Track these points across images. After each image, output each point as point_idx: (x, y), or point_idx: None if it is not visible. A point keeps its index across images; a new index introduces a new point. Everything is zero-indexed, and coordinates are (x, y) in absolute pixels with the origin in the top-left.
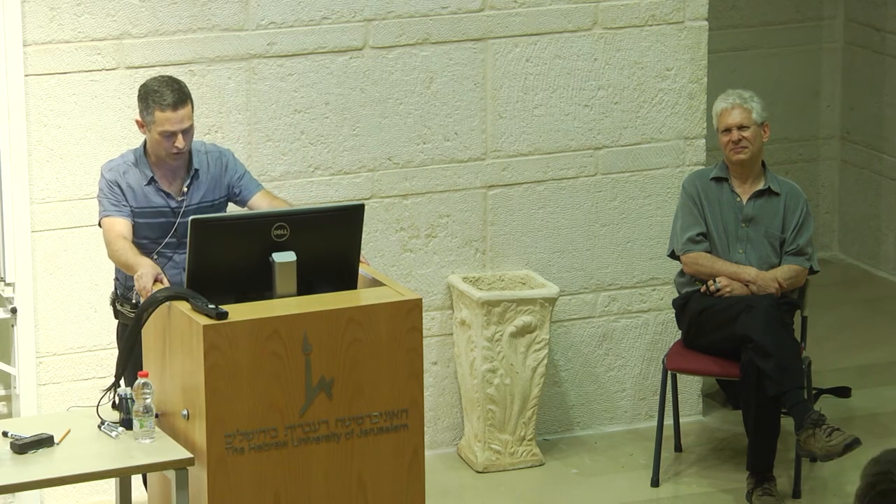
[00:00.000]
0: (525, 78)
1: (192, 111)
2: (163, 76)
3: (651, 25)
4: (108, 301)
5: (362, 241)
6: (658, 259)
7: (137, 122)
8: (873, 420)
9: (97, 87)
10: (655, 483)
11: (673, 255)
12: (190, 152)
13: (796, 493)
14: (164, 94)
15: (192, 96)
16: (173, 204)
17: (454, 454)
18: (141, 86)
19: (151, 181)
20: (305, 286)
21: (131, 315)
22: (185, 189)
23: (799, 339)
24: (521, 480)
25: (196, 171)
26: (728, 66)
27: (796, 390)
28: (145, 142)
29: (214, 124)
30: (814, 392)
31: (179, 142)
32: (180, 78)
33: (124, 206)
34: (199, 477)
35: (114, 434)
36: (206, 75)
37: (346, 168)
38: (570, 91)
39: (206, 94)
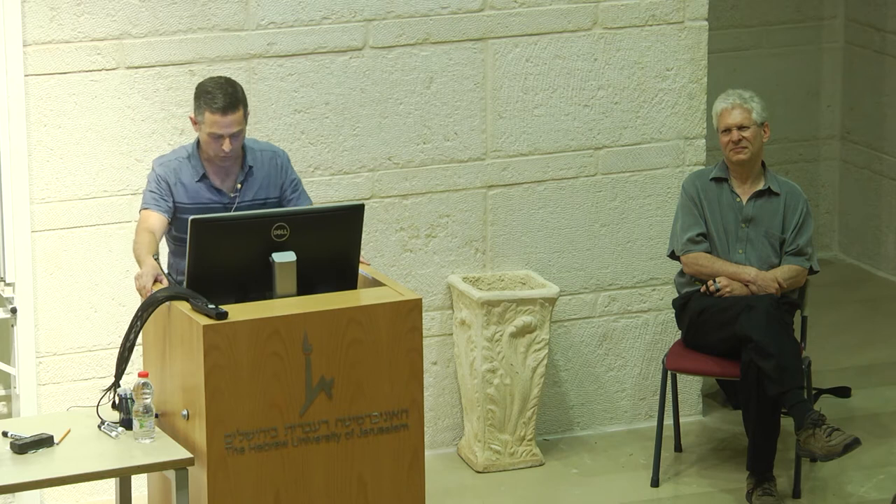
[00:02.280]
0: (525, 78)
1: (245, 116)
2: (221, 78)
3: (651, 25)
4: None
5: (362, 241)
6: (658, 259)
7: (191, 118)
8: (873, 420)
9: (97, 87)
10: (655, 483)
11: (673, 256)
12: (244, 149)
13: (796, 493)
14: (216, 97)
15: (247, 99)
16: (225, 200)
17: (454, 454)
18: (198, 84)
19: (203, 177)
20: (305, 286)
21: None
22: (239, 186)
23: (799, 339)
24: (521, 480)
25: (250, 168)
26: (728, 66)
27: (796, 390)
28: (198, 137)
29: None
30: (814, 392)
31: (226, 145)
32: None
33: (164, 201)
34: (199, 477)
35: (114, 434)
36: (206, 75)
37: (346, 168)
38: (570, 91)
39: None
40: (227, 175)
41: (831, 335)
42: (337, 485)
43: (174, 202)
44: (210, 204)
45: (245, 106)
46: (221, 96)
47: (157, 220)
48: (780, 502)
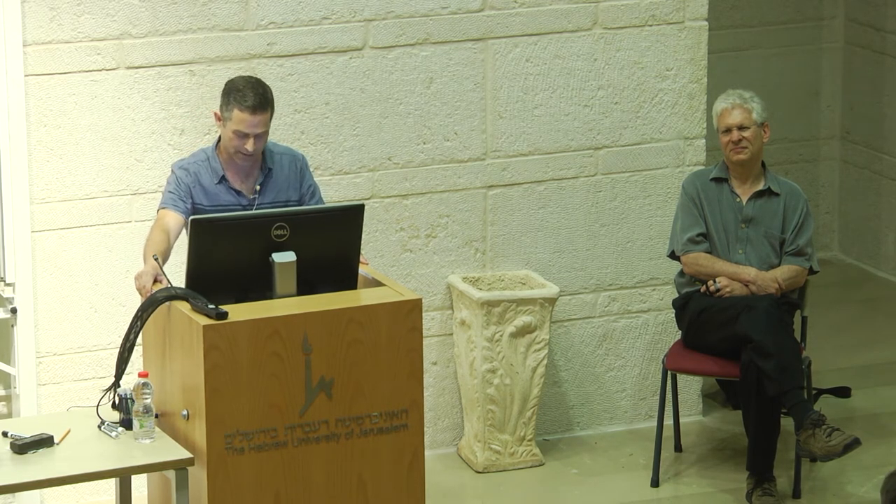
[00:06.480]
0: (525, 78)
1: (271, 118)
2: (251, 77)
3: (651, 25)
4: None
5: (362, 241)
6: (658, 259)
7: (216, 114)
8: (873, 420)
9: (97, 87)
10: (655, 483)
11: (673, 256)
12: (264, 151)
13: (796, 493)
14: (247, 96)
15: (270, 102)
16: (244, 202)
17: (454, 454)
18: (228, 81)
19: (222, 179)
20: (305, 286)
21: None
22: (258, 188)
23: (799, 339)
24: (521, 480)
25: (269, 170)
26: (728, 66)
27: (796, 390)
28: (218, 139)
29: (215, 124)
30: (814, 392)
31: (250, 145)
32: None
33: (183, 202)
34: (199, 477)
35: (114, 434)
36: (206, 75)
37: (346, 168)
38: (570, 91)
39: (206, 94)
40: (247, 177)
41: (831, 335)
42: (337, 485)
43: (193, 204)
44: (229, 206)
45: (272, 109)
46: (252, 95)
47: (174, 219)
48: (780, 502)
